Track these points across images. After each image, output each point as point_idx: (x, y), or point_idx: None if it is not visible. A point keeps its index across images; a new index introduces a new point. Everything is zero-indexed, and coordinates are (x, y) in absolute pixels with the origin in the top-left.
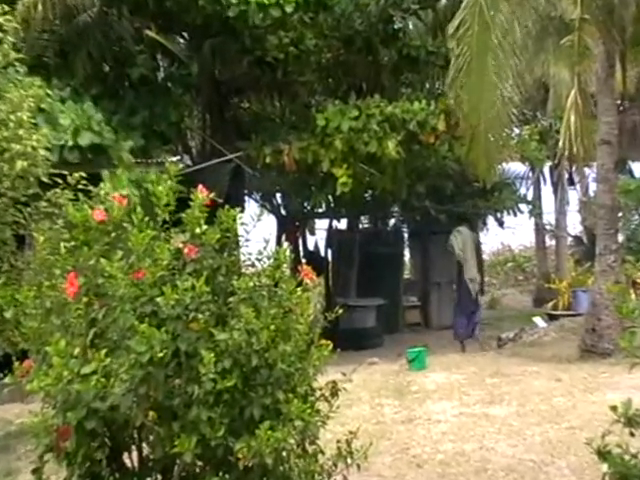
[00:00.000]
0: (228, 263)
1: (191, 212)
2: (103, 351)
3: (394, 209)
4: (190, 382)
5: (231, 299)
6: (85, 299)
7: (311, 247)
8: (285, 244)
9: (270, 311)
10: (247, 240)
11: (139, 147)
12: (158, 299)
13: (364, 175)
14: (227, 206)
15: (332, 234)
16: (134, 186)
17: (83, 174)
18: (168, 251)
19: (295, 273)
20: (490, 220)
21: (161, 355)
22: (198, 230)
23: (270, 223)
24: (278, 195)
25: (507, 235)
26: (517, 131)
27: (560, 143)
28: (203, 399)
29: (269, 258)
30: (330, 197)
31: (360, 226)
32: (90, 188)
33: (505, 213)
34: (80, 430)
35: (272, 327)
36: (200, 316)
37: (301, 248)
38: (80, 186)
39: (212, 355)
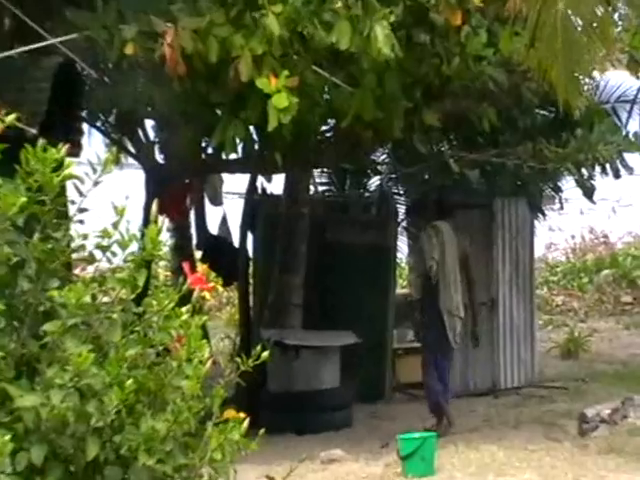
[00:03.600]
0: (43, 254)
1: None
2: None
3: (379, 158)
4: None
5: (47, 326)
6: None
7: (214, 229)
8: (160, 220)
9: (126, 352)
10: (83, 210)
11: None
12: None
13: (321, 89)
14: (44, 141)
15: (256, 205)
16: None
17: None
18: None
19: (179, 278)
20: (568, 184)
21: None
22: None
23: (133, 178)
24: (149, 124)
25: (601, 216)
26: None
27: None
28: None
29: (125, 246)
30: (254, 131)
31: (312, 190)
32: None
33: (597, 171)
34: None
35: (129, 383)
36: None
37: (194, 229)
38: None
39: (8, 439)
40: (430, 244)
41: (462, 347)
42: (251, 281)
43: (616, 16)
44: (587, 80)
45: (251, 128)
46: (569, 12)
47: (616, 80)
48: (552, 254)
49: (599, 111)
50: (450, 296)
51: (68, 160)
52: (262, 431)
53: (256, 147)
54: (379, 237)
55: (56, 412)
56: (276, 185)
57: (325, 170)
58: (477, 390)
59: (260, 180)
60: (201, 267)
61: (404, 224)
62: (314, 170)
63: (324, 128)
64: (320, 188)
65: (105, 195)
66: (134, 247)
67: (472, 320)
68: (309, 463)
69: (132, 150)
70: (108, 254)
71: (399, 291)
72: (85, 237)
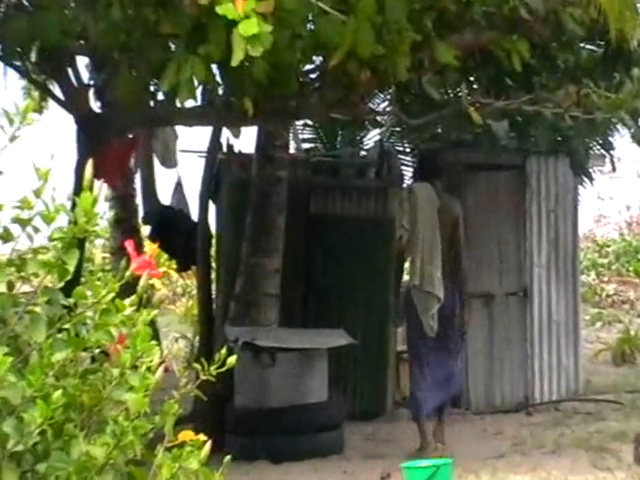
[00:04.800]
0: None
1: None
2: None
3: (379, 107)
4: None
5: None
6: None
7: (166, 198)
8: (96, 185)
9: (53, 356)
10: None
11: None
12: None
13: (304, 16)
14: None
15: (221, 167)
16: None
17: None
18: None
19: (121, 260)
20: (622, 140)
21: None
22: None
23: (61, 132)
24: (82, 62)
25: None
26: None
27: None
28: None
29: (51, 220)
30: (217, 71)
31: (292, 148)
32: None
33: None
34: None
35: (57, 396)
36: None
37: (140, 198)
38: None
39: None
40: (400, 211)
41: (485, 351)
42: (214, 265)
43: None
44: None
45: (213, 67)
46: None
47: None
48: (601, 230)
49: None
50: (423, 269)
51: None
52: (228, 458)
53: (220, 92)
54: (379, 208)
55: None
56: (246, 141)
57: (309, 122)
58: (505, 406)
59: (225, 135)
60: (149, 247)
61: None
62: (295, 122)
63: (308, 67)
64: (303, 145)
65: (25, 154)
66: (62, 221)
67: (460, 306)
68: None
69: (60, 96)
70: (29, 230)
71: (405, 277)
72: None
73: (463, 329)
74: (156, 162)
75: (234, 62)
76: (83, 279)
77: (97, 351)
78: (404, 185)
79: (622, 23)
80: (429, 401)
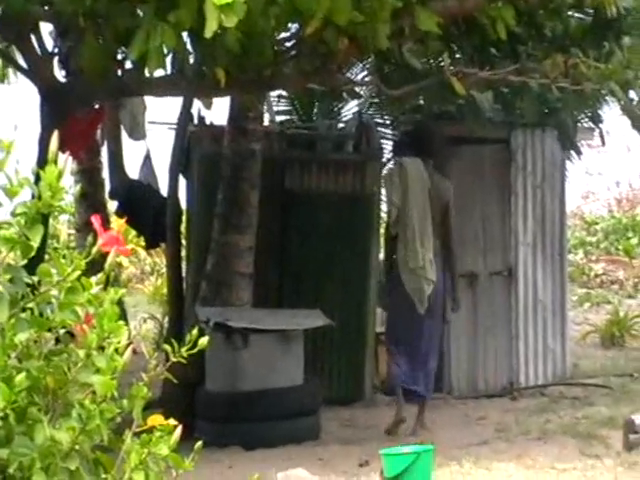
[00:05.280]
0: None
1: None
2: None
3: (357, 77)
4: None
5: None
6: None
7: (134, 171)
8: (62, 158)
9: (16, 337)
10: None
11: None
12: None
13: None
14: None
15: (191, 139)
16: None
17: None
18: None
19: (87, 237)
20: (611, 112)
21: None
22: None
23: (24, 102)
24: (46, 29)
25: None
26: None
27: None
28: None
29: (13, 194)
30: (188, 39)
31: (267, 121)
32: None
33: None
34: None
35: (20, 379)
36: None
37: (106, 171)
38: None
39: None
40: (391, 185)
41: (468, 332)
42: (184, 242)
43: None
44: None
45: (184, 35)
46: None
47: None
48: (590, 206)
49: None
50: (414, 251)
51: None
52: (199, 444)
53: (191, 61)
54: (357, 183)
55: None
56: (218, 113)
57: (284, 93)
58: (489, 390)
59: (197, 106)
60: (117, 223)
61: (391, 165)
62: (269, 93)
63: (283, 35)
64: (277, 117)
65: None
66: (26, 195)
67: (449, 278)
68: None
69: (22, 64)
70: None
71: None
72: None
73: (447, 316)
74: (124, 134)
75: (208, 33)
76: (47, 256)
77: (62, 331)
78: (384, 159)
79: None
80: (407, 376)
